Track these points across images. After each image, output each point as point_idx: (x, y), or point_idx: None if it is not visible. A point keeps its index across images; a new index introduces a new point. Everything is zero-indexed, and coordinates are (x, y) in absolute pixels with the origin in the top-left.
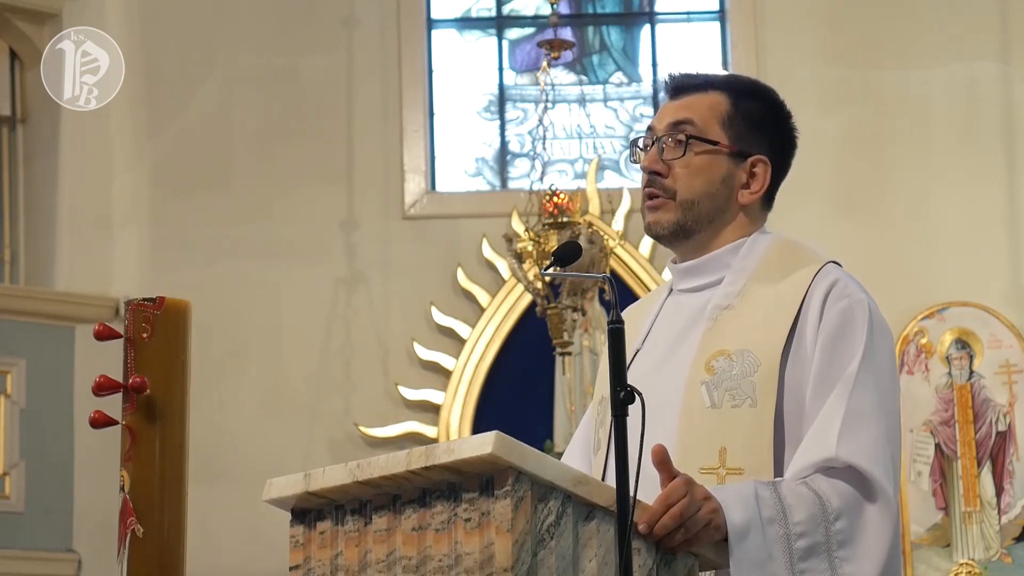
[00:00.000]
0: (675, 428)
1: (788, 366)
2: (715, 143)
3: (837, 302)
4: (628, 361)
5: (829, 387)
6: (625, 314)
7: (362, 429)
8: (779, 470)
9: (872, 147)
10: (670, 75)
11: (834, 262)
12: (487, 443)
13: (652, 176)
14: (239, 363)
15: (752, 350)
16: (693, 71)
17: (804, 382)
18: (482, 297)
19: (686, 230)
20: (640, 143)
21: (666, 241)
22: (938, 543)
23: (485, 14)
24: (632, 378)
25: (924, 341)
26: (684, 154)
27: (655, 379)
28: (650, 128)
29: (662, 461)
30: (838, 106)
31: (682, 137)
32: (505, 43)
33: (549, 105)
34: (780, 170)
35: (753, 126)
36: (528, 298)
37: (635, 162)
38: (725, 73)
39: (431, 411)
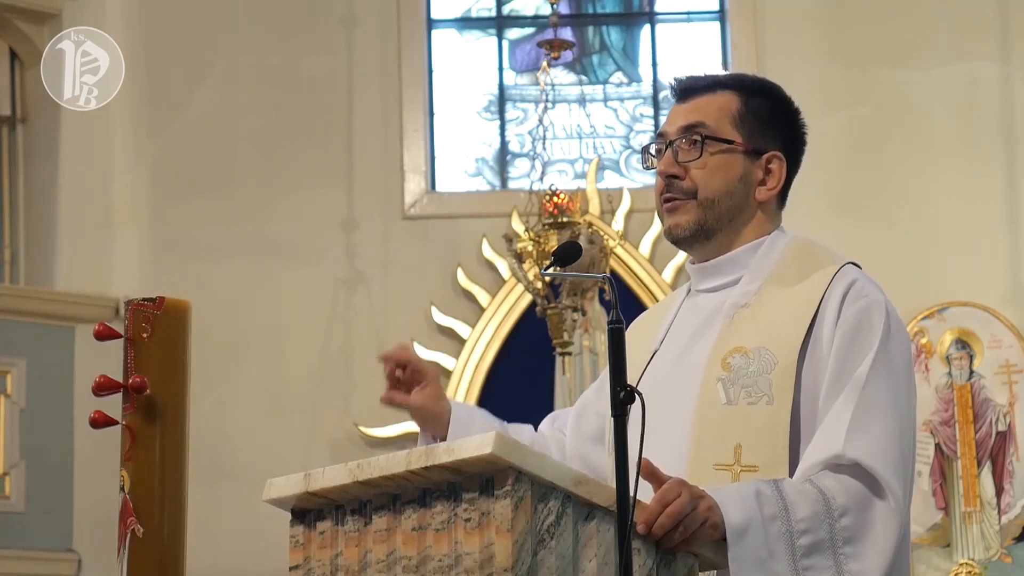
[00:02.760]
0: (690, 424)
1: (805, 365)
2: (730, 142)
3: (855, 302)
4: (646, 362)
5: (841, 386)
6: (642, 317)
7: (362, 429)
8: (794, 468)
9: (872, 147)
10: (676, 79)
11: (853, 263)
12: (487, 443)
13: (670, 180)
14: (239, 363)
15: (769, 348)
16: (699, 73)
17: (820, 381)
18: (482, 297)
19: (707, 230)
20: (652, 149)
21: (687, 244)
22: (938, 543)
23: (485, 14)
24: (649, 377)
25: (924, 341)
26: (700, 155)
27: (671, 376)
28: (661, 134)
29: (651, 472)
30: (838, 106)
31: (697, 138)
32: (505, 43)
33: (549, 105)
34: (793, 166)
35: (765, 123)
36: (528, 298)
37: (648, 168)
38: (732, 72)
39: None
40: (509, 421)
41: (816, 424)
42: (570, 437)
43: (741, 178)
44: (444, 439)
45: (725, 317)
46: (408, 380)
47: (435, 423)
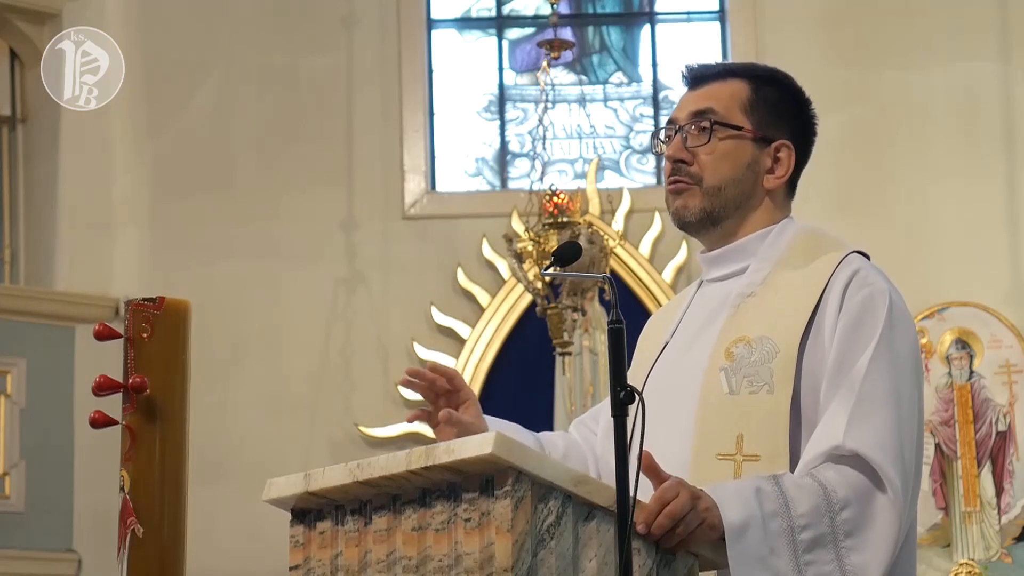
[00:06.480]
0: (693, 414)
1: (806, 353)
2: (739, 128)
3: (858, 291)
4: (656, 355)
5: (843, 377)
6: (659, 311)
7: (362, 429)
8: (795, 457)
9: (872, 147)
10: (688, 66)
11: (860, 252)
12: (487, 443)
13: (677, 164)
14: (239, 363)
15: (771, 337)
16: (711, 61)
17: (821, 370)
18: (482, 297)
19: (713, 217)
20: (662, 135)
21: (693, 229)
22: (938, 543)
23: (485, 14)
24: (659, 369)
25: (924, 341)
26: (708, 141)
27: (678, 367)
28: (671, 120)
29: (650, 466)
30: (838, 106)
31: (706, 124)
32: (505, 43)
33: (549, 105)
34: (802, 156)
35: (774, 112)
36: (528, 298)
37: (657, 153)
38: (743, 62)
39: None
40: (509, 420)
41: (817, 414)
42: (601, 437)
43: (749, 165)
44: None
45: (731, 307)
46: (446, 396)
47: None
